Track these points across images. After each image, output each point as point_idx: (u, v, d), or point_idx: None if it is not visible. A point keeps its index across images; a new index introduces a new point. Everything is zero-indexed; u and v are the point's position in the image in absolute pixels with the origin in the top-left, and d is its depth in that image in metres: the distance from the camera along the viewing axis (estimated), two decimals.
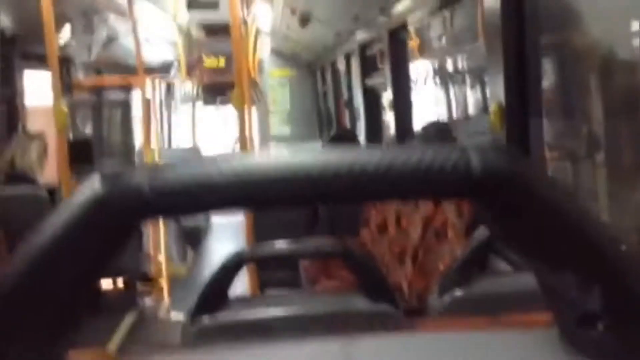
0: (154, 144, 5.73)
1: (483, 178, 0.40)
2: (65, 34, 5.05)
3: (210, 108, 10.05)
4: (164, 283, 5.15)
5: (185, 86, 9.76)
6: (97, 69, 6.89)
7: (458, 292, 1.41)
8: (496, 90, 2.37)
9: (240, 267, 1.45)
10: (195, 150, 8.75)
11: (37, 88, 5.54)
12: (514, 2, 2.25)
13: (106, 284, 4.59)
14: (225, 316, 1.42)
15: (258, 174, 0.41)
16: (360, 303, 1.46)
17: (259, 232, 3.39)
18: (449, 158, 0.41)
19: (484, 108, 6.55)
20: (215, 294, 1.46)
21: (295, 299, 1.56)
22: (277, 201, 0.42)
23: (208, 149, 9.96)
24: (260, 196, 0.41)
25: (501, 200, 0.42)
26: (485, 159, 0.41)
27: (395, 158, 0.41)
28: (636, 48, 3.93)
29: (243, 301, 1.52)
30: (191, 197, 0.41)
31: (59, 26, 4.63)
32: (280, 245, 1.56)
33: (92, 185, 0.42)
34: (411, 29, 5.42)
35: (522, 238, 0.43)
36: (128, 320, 4.30)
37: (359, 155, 0.41)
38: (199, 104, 9.70)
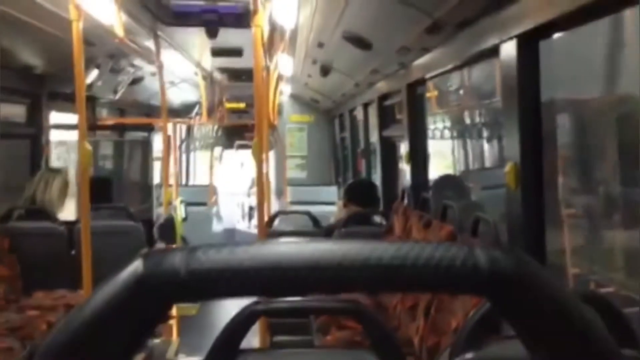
0: (172, 182, 5.81)
1: (489, 277, 0.44)
2: (92, 74, 5.21)
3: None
4: (173, 323, 5.14)
5: (204, 129, 9.92)
6: (120, 108, 7.06)
7: (469, 355, 1.41)
8: (512, 148, 2.40)
9: (253, 321, 1.47)
10: (212, 187, 8.84)
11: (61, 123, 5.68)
12: (530, 60, 2.30)
13: None
14: None
15: (289, 263, 0.45)
16: None
17: None
18: (457, 256, 0.44)
19: (499, 161, 6.58)
20: (228, 344, 1.48)
21: (307, 354, 1.57)
22: (303, 290, 0.46)
23: (225, 187, 10.05)
24: (288, 285, 0.45)
25: (507, 298, 0.45)
26: (492, 260, 0.44)
27: (407, 253, 0.45)
28: None
29: (255, 353, 1.53)
30: (225, 283, 0.45)
31: (87, 67, 4.78)
32: (293, 299, 1.58)
33: (135, 267, 0.46)
34: (430, 82, 5.52)
35: (527, 334, 0.46)
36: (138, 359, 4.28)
37: (375, 248, 0.45)
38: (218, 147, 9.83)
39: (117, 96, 6.12)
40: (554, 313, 0.45)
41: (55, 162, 5.47)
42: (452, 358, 1.43)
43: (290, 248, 0.46)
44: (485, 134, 6.70)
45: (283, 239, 0.49)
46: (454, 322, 2.61)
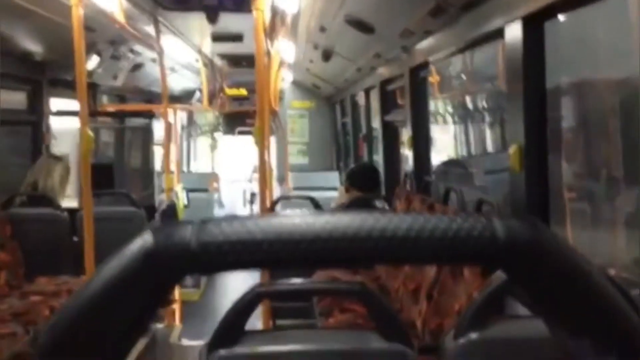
0: (173, 169, 5.80)
1: (507, 247, 0.43)
2: (93, 61, 5.19)
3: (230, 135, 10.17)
4: (176, 308, 5.16)
5: (206, 115, 9.90)
6: (121, 95, 7.04)
7: (473, 335, 1.41)
8: (516, 131, 2.39)
9: (257, 303, 1.47)
10: (213, 175, 8.83)
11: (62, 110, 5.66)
12: (536, 41, 2.28)
13: None
14: (241, 348, 1.44)
15: (299, 234, 0.44)
16: (375, 341, 1.47)
17: None
18: (475, 227, 0.44)
19: (502, 146, 6.57)
20: (232, 326, 1.48)
21: (310, 334, 1.57)
22: (316, 261, 0.45)
23: (226, 175, 10.04)
24: (301, 256, 0.44)
25: (525, 268, 0.44)
26: (509, 229, 0.43)
27: (424, 225, 0.44)
28: None
29: (259, 334, 1.53)
30: (236, 255, 0.44)
31: (88, 53, 4.76)
32: (296, 281, 1.57)
33: (145, 239, 0.45)
34: (432, 66, 5.49)
35: (543, 303, 0.45)
36: (140, 345, 4.30)
37: (392, 219, 0.44)
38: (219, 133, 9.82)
39: (118, 83, 6.09)
40: (573, 282, 0.44)
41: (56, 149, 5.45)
42: (457, 338, 1.43)
43: (302, 219, 0.45)
44: (488, 118, 6.68)
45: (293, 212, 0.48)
46: (456, 304, 2.62)
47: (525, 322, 1.48)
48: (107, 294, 0.44)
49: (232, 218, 0.46)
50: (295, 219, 0.45)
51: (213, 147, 9.41)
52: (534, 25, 2.25)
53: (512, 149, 2.36)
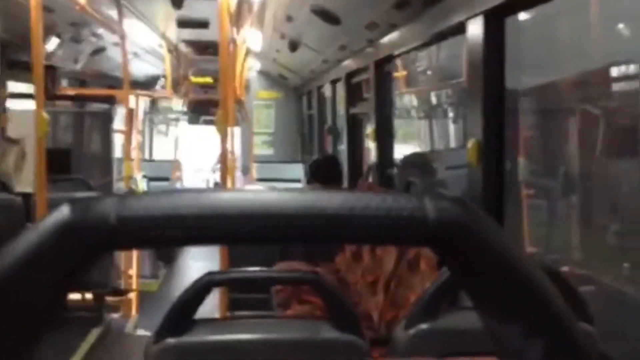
0: (134, 156, 5.70)
1: (437, 227, 0.42)
2: (52, 43, 5.04)
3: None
4: (133, 298, 5.07)
5: (172, 103, 9.75)
6: (82, 79, 6.86)
7: (424, 326, 1.41)
8: (475, 126, 2.41)
9: (209, 289, 1.45)
10: (176, 163, 8.71)
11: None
12: (496, 37, 2.31)
13: (74, 297, 4.51)
14: (190, 337, 1.42)
15: (225, 210, 0.42)
16: (327, 332, 1.46)
17: (234, 252, 3.37)
18: (405, 207, 0.43)
19: (464, 142, 6.65)
20: (182, 314, 1.45)
21: (262, 324, 1.55)
22: (242, 239, 0.43)
23: (190, 163, 9.92)
24: (227, 233, 0.42)
25: (453, 249, 0.43)
26: (439, 209, 0.43)
27: (355, 203, 0.43)
28: (615, 93, 4.04)
29: (209, 323, 1.51)
30: (157, 231, 0.42)
31: (47, 35, 4.62)
32: (251, 270, 1.56)
33: (61, 212, 0.42)
34: (399, 61, 5.51)
35: (472, 285, 0.45)
36: (93, 334, 4.22)
37: (322, 197, 0.43)
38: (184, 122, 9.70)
39: (79, 66, 5.94)
40: (501, 265, 0.43)
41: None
42: (407, 329, 1.43)
43: (231, 195, 0.43)
44: (451, 114, 6.75)
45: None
46: (412, 296, 2.64)
47: (475, 314, 1.49)
48: (18, 270, 0.41)
49: (158, 193, 0.44)
50: (223, 194, 0.43)
51: (176, 135, 9.28)
52: (495, 20, 2.27)
53: (470, 144, 2.38)
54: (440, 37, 3.15)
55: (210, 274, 1.47)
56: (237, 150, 7.39)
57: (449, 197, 0.44)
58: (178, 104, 9.69)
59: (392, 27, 3.61)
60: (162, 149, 10.67)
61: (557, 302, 0.44)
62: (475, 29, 2.36)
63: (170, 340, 1.37)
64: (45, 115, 3.37)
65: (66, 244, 0.42)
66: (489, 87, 2.32)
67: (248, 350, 1.39)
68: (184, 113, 9.59)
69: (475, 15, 2.35)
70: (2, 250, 0.44)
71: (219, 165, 8.73)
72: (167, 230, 0.42)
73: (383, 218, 0.42)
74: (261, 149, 9.31)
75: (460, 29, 2.54)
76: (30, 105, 5.47)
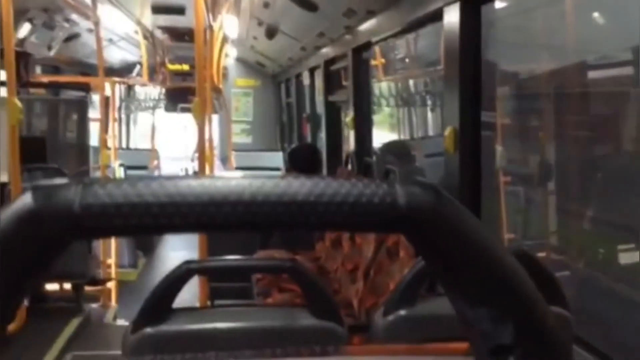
0: (110, 145, 5.62)
1: (407, 212, 0.42)
2: (24, 29, 4.93)
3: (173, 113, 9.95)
4: (112, 288, 5.04)
5: (149, 90, 9.63)
6: (56, 66, 6.73)
7: (402, 312, 1.43)
8: (451, 113, 2.43)
9: (187, 278, 1.44)
10: (153, 152, 8.62)
11: None
12: (473, 24, 2.32)
13: (53, 287, 4.46)
14: (168, 326, 1.41)
15: (193, 197, 0.41)
16: (306, 319, 1.47)
17: (214, 241, 3.36)
18: (376, 193, 0.42)
19: (441, 130, 6.69)
20: (160, 303, 1.44)
21: (240, 312, 1.55)
22: (209, 226, 0.43)
23: (168, 151, 9.83)
24: (194, 221, 0.42)
25: (424, 234, 0.43)
26: (410, 194, 0.43)
27: (325, 189, 0.42)
28: (591, 80, 4.09)
29: (188, 312, 1.50)
30: (123, 219, 0.41)
31: (18, 20, 4.51)
32: (229, 258, 1.55)
33: (24, 199, 0.41)
34: (377, 49, 5.50)
35: (442, 270, 0.45)
36: (72, 324, 4.18)
37: (292, 184, 0.43)
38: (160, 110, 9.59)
39: (52, 53, 5.82)
40: (472, 251, 0.44)
41: None
42: (386, 315, 1.44)
43: (196, 182, 0.42)
44: (429, 102, 6.78)
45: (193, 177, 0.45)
46: (392, 283, 2.66)
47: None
48: None
49: (123, 180, 0.43)
50: (191, 181, 0.42)
51: (153, 123, 9.17)
52: (471, 7, 2.28)
53: (447, 131, 2.40)
54: (417, 24, 3.15)
55: (188, 262, 1.46)
56: (216, 138, 7.34)
57: (419, 183, 0.44)
58: (154, 91, 9.58)
59: (370, 14, 3.60)
60: (138, 138, 10.55)
61: (527, 287, 0.45)
62: (452, 16, 2.36)
63: (148, 330, 1.36)
64: (17, 102, 3.31)
65: (29, 232, 0.41)
66: (465, 74, 2.34)
67: (226, 338, 1.39)
68: (160, 100, 9.48)
69: (452, 2, 2.35)
70: None
71: (197, 154, 8.67)
72: (133, 218, 0.41)
73: (353, 204, 0.42)
74: (240, 138, 9.26)
75: (438, 16, 2.55)
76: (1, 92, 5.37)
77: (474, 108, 2.34)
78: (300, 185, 0.42)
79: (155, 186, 0.42)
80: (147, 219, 0.41)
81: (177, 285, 1.45)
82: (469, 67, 2.31)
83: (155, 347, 1.38)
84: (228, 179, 0.43)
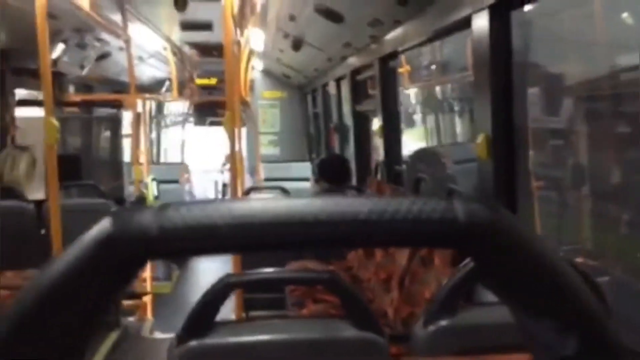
0: (142, 160, 5.72)
1: (467, 228, 0.43)
2: (57, 49, 5.07)
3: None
4: (147, 301, 5.11)
5: (176, 105, 9.78)
6: (88, 84, 6.88)
7: (443, 322, 1.42)
8: (483, 120, 2.41)
9: (227, 293, 1.46)
10: (184, 166, 8.74)
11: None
12: (502, 30, 2.31)
13: None
14: (212, 339, 1.43)
15: (259, 219, 0.43)
16: (347, 330, 1.47)
17: (245, 253, 3.39)
18: (436, 210, 0.44)
19: (471, 136, 6.65)
20: (202, 317, 1.47)
21: (281, 324, 1.57)
22: (277, 245, 0.45)
23: (197, 166, 9.95)
24: (261, 241, 0.44)
25: (485, 250, 0.44)
26: (469, 211, 0.44)
27: (386, 208, 0.44)
28: (623, 82, 4.03)
29: (229, 325, 1.52)
30: (195, 241, 0.43)
31: (52, 42, 4.64)
32: (266, 271, 1.57)
33: (102, 224, 0.44)
34: (403, 57, 5.50)
35: (504, 285, 0.46)
36: (111, 338, 4.25)
37: (353, 203, 0.44)
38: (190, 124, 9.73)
39: (84, 72, 5.97)
40: (533, 267, 0.44)
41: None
42: (426, 325, 1.44)
43: (263, 204, 0.44)
44: (457, 108, 6.74)
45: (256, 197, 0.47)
46: (427, 292, 2.64)
47: (494, 309, 1.50)
48: (63, 284, 0.43)
49: (192, 203, 0.45)
50: (255, 204, 0.44)
51: (182, 138, 9.31)
52: (500, 14, 2.27)
53: (480, 138, 2.38)
54: (445, 32, 3.15)
55: (228, 276, 1.48)
56: (244, 150, 7.41)
57: (477, 200, 0.45)
58: (182, 106, 9.72)
59: (396, 24, 3.61)
60: (169, 152, 10.70)
61: (588, 298, 0.45)
62: (481, 23, 2.36)
63: (193, 343, 1.39)
64: (54, 121, 3.39)
65: (110, 257, 0.43)
66: (497, 81, 2.32)
67: (270, 351, 1.41)
68: (189, 115, 9.62)
69: (481, 9, 2.35)
70: (48, 264, 0.45)
71: (226, 166, 8.75)
72: (205, 240, 0.43)
73: (414, 221, 0.44)
74: (267, 149, 9.32)
75: (465, 23, 2.54)
76: (37, 112, 5.51)
77: (507, 114, 2.32)
78: (362, 204, 0.44)
79: (224, 209, 0.44)
80: (218, 240, 0.43)
81: (219, 299, 1.47)
82: (501, 73, 2.30)
83: None
84: (291, 200, 0.45)
